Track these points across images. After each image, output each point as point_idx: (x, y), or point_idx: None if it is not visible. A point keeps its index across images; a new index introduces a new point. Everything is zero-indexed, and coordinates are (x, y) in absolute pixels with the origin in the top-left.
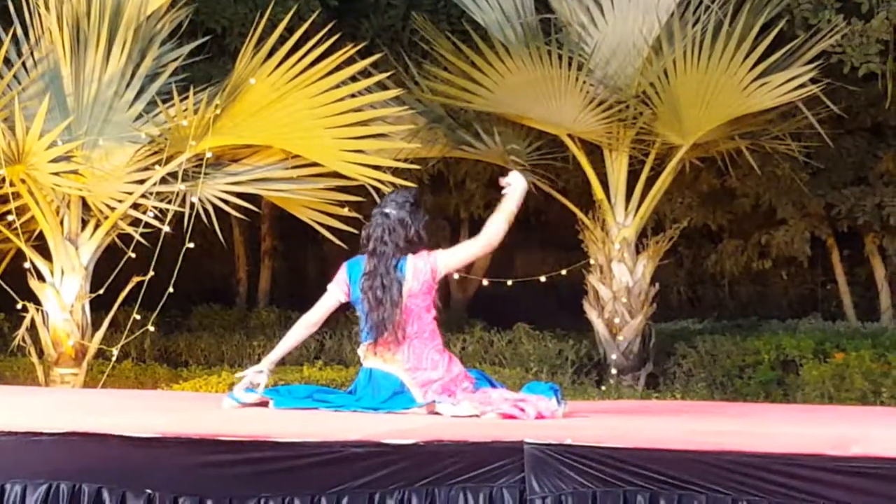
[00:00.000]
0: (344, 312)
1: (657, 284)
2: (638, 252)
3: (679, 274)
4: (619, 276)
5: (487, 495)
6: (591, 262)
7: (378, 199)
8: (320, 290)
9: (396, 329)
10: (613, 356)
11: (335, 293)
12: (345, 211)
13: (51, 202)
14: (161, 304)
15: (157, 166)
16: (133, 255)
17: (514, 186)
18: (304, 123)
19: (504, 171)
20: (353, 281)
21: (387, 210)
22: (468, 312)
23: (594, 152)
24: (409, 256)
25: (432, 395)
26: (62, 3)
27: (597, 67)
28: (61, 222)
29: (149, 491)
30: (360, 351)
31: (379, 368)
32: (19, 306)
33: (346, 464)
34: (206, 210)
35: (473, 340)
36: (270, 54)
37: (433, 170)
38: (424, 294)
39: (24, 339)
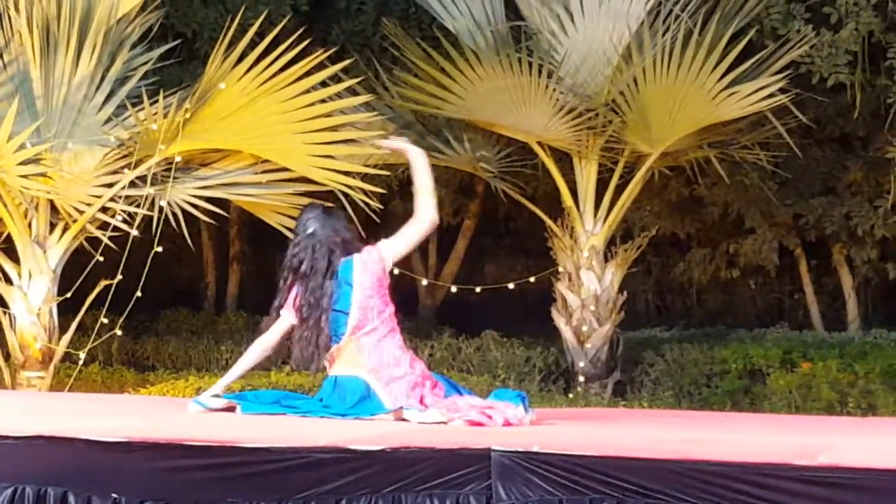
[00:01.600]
0: None
1: (625, 292)
2: (606, 260)
3: (647, 282)
4: (588, 284)
5: (454, 502)
6: (560, 269)
7: (348, 205)
8: None
9: (321, 340)
10: (581, 364)
11: (286, 318)
12: None
13: (19, 205)
14: (129, 308)
15: (126, 170)
16: (101, 259)
17: (412, 158)
18: (273, 128)
19: (474, 178)
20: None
21: (309, 230)
22: (437, 319)
23: (563, 160)
24: (355, 255)
25: (400, 400)
26: (32, 5)
27: (567, 75)
28: (29, 225)
29: (115, 495)
30: (326, 358)
31: (343, 374)
32: None
33: (313, 469)
34: (174, 214)
35: (441, 347)
36: (241, 59)
37: (403, 176)
38: (378, 287)
39: None
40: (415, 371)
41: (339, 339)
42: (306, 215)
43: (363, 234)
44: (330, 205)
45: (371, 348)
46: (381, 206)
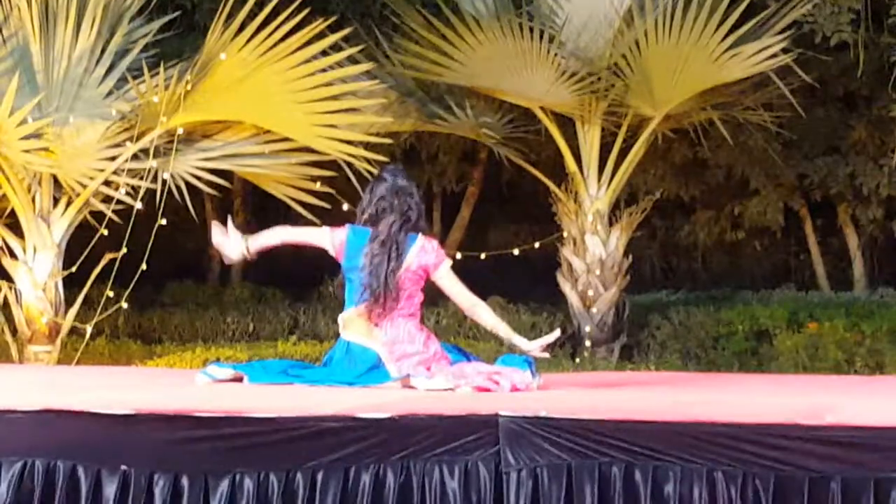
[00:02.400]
0: (318, 287)
1: (630, 256)
2: (611, 224)
3: (652, 245)
4: (593, 249)
5: (462, 468)
6: (565, 234)
7: (351, 174)
8: (293, 265)
9: (389, 298)
10: (587, 328)
11: (326, 238)
12: (317, 186)
13: (22, 180)
14: (134, 280)
15: (128, 143)
16: (105, 232)
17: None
18: (275, 98)
19: (477, 145)
20: (352, 247)
21: (398, 180)
22: None
23: (566, 124)
24: (420, 236)
25: (407, 369)
26: None
27: (568, 39)
28: (33, 200)
29: (124, 468)
30: (341, 319)
31: (357, 342)
32: None
33: (320, 439)
34: (178, 186)
35: (448, 314)
36: (241, 29)
37: (405, 144)
38: (420, 276)
39: None
40: (428, 350)
41: (356, 305)
42: (398, 171)
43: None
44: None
45: (388, 323)
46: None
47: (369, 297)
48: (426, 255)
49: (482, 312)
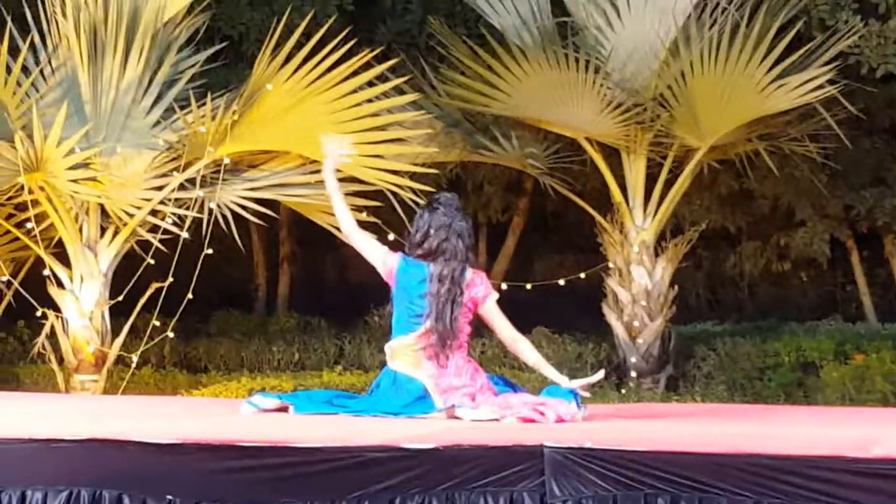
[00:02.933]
0: (363, 317)
1: (676, 287)
2: (657, 255)
3: (698, 276)
4: (638, 279)
5: (508, 499)
6: (610, 265)
7: (397, 205)
8: (339, 295)
9: (450, 336)
10: (633, 359)
11: (380, 256)
12: (363, 216)
13: (69, 209)
14: (180, 310)
15: (175, 173)
16: (152, 262)
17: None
18: (321, 129)
19: (522, 175)
20: (403, 277)
21: (454, 217)
22: None
23: (612, 155)
24: (469, 269)
25: (453, 401)
26: (79, 10)
27: (614, 70)
28: (80, 229)
29: (169, 497)
30: (388, 348)
31: (404, 372)
32: (39, 313)
33: (365, 469)
34: (224, 216)
35: (493, 345)
36: (287, 60)
37: (451, 174)
38: (467, 310)
39: (43, 346)
40: (475, 384)
41: (409, 334)
42: (452, 202)
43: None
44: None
45: (439, 355)
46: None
47: (437, 341)
48: (476, 289)
49: (524, 348)
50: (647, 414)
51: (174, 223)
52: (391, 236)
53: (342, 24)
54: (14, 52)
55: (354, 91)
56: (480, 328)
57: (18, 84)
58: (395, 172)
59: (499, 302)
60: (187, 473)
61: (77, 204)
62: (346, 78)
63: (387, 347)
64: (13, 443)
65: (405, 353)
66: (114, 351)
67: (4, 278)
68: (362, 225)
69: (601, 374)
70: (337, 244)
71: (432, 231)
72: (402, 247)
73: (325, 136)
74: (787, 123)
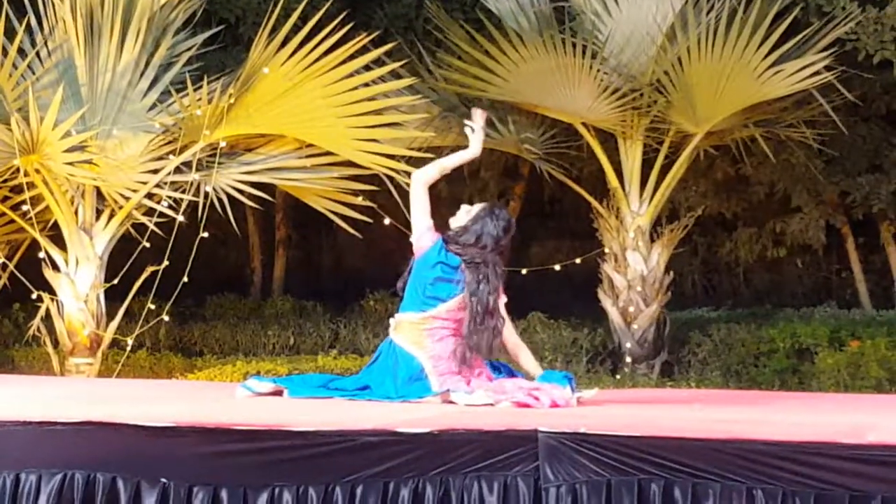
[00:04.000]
0: (359, 301)
1: (672, 273)
2: (652, 240)
3: (694, 262)
4: (634, 265)
5: (502, 484)
6: (606, 250)
7: (393, 189)
8: (334, 279)
9: (481, 350)
10: (628, 345)
11: (424, 227)
12: (359, 200)
13: (65, 192)
14: (175, 293)
15: (171, 156)
16: (147, 245)
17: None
18: (317, 112)
19: (519, 161)
20: (431, 258)
21: (501, 236)
22: None
23: (608, 140)
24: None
25: (448, 384)
26: None
27: (611, 55)
28: (76, 212)
29: (163, 480)
30: (394, 320)
31: (404, 348)
32: (34, 296)
33: (360, 453)
34: (220, 199)
35: None
36: (284, 43)
37: None
38: None
39: (39, 329)
40: (472, 371)
41: (419, 312)
42: (503, 216)
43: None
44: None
45: (438, 339)
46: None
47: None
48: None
49: (524, 355)
50: (641, 399)
51: (170, 206)
52: (387, 220)
53: (339, 8)
54: (10, 34)
55: (351, 75)
56: None
57: (14, 66)
58: (391, 157)
59: None
60: (182, 457)
61: (73, 187)
62: (343, 62)
63: (393, 319)
64: (8, 426)
65: (410, 329)
66: (109, 334)
67: (0, 261)
68: (357, 209)
69: (595, 391)
70: (333, 228)
71: (482, 230)
72: (404, 232)
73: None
74: (784, 110)
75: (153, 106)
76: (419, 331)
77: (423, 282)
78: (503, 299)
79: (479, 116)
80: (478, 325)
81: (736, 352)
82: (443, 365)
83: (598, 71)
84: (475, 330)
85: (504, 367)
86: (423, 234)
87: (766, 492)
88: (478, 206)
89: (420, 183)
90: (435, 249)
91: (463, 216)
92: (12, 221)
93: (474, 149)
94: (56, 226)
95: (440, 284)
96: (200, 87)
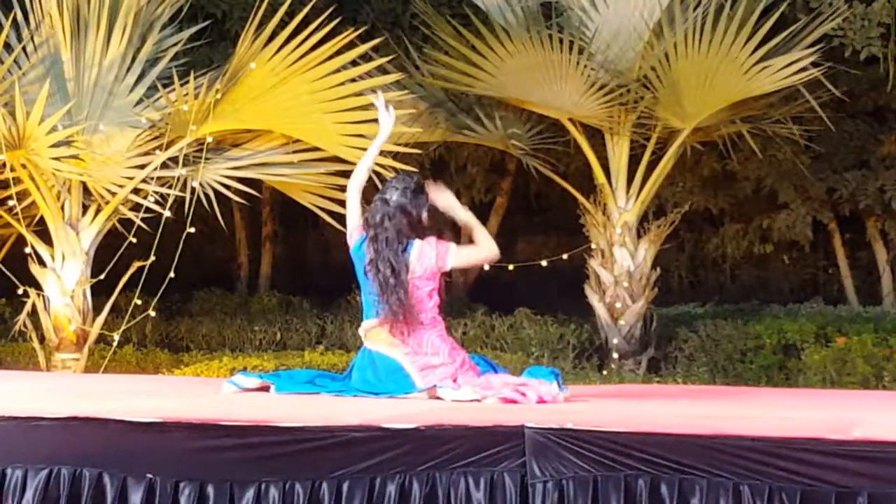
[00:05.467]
0: (345, 297)
1: (658, 269)
2: (639, 236)
3: (680, 258)
4: (621, 261)
5: (488, 480)
6: (593, 246)
7: (379, 184)
8: (321, 274)
9: (408, 314)
10: (615, 340)
11: (350, 228)
12: (345, 195)
13: (51, 187)
14: (162, 289)
15: (157, 151)
16: (134, 240)
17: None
18: (304, 108)
19: (505, 156)
20: (357, 256)
21: (387, 196)
22: (469, 297)
23: (595, 136)
24: (416, 241)
25: (433, 380)
26: None
27: (598, 51)
28: (62, 207)
29: (150, 476)
30: (362, 330)
31: (379, 351)
32: (20, 291)
33: (346, 448)
34: (206, 195)
35: (475, 325)
36: (271, 39)
37: (434, 154)
38: (427, 279)
39: (25, 325)
40: (455, 361)
41: (372, 317)
42: (396, 182)
43: None
44: (427, 182)
45: (410, 337)
46: None
47: (391, 316)
48: (426, 257)
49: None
50: (628, 395)
51: (156, 202)
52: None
53: (326, 3)
54: None
55: (338, 70)
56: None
57: (0, 61)
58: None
59: (481, 282)
60: (168, 452)
61: (59, 182)
62: (330, 57)
63: (360, 329)
64: None
65: (377, 335)
66: (95, 329)
67: None
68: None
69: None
70: (319, 224)
71: (374, 216)
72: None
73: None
74: (771, 106)
75: (140, 101)
76: (385, 333)
77: (367, 287)
78: (452, 248)
79: (376, 98)
80: (389, 289)
81: (722, 348)
82: (420, 360)
83: (585, 67)
84: (388, 296)
85: (483, 360)
86: (350, 234)
87: (753, 487)
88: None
89: (351, 189)
90: (356, 249)
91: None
92: None
93: (385, 126)
94: (42, 221)
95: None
96: (187, 82)
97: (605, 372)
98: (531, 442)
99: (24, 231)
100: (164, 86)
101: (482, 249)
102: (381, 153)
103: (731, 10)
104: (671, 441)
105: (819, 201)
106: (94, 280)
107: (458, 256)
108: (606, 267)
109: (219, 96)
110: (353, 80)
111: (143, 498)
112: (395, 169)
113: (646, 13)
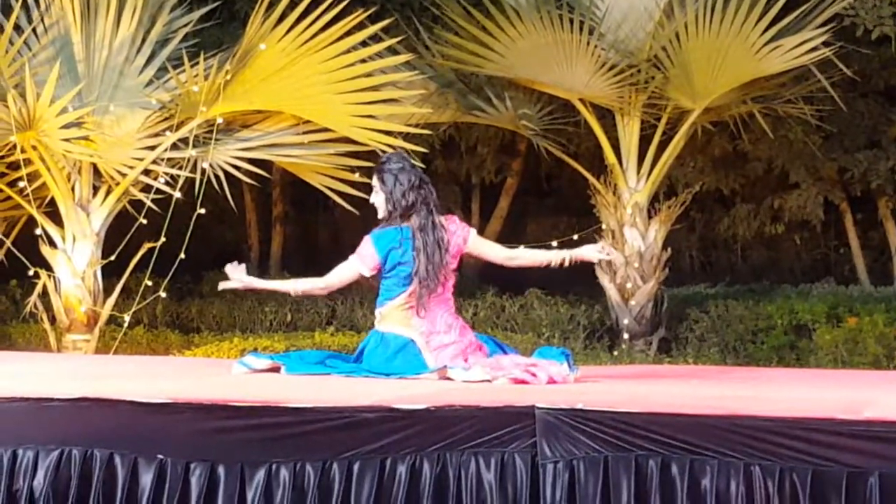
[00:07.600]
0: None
1: (669, 249)
2: (650, 217)
3: (691, 238)
4: (632, 241)
5: (499, 460)
6: (603, 227)
7: None
8: (332, 256)
9: (437, 286)
10: (625, 321)
11: (358, 267)
12: (356, 176)
13: (62, 169)
14: (173, 270)
15: (167, 132)
16: (144, 222)
17: (575, 255)
18: (314, 89)
19: (516, 137)
20: (383, 251)
21: (408, 169)
22: (480, 278)
23: (606, 117)
24: (441, 218)
25: (444, 360)
26: None
27: (608, 31)
28: (72, 189)
29: (160, 456)
30: (379, 313)
31: (393, 332)
32: (31, 273)
33: (357, 429)
34: (217, 176)
35: (485, 306)
36: (281, 19)
37: (444, 135)
38: (453, 257)
39: (36, 306)
40: (464, 340)
41: (397, 296)
42: (391, 165)
43: None
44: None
45: (424, 313)
46: (422, 166)
47: (423, 289)
48: (454, 235)
49: (524, 254)
50: (638, 375)
51: (167, 183)
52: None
53: None
54: (6, 10)
55: (348, 51)
56: (473, 289)
57: (11, 42)
58: (387, 133)
59: (491, 264)
60: (178, 433)
61: (69, 163)
62: (340, 38)
63: (377, 312)
64: (5, 402)
65: (395, 315)
66: (106, 310)
67: None
68: (354, 185)
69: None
70: (330, 205)
71: (399, 195)
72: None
73: None
74: (782, 85)
75: (150, 82)
76: (404, 311)
77: (394, 272)
78: (473, 231)
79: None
80: (434, 266)
81: (733, 328)
82: (435, 339)
83: (596, 47)
84: (427, 268)
85: (492, 340)
86: (361, 263)
87: (764, 468)
88: (375, 183)
89: (330, 285)
90: (379, 248)
91: (379, 200)
92: (9, 198)
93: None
94: (53, 202)
95: (402, 263)
96: (197, 63)
97: (615, 352)
98: (542, 422)
99: (34, 212)
100: (175, 67)
101: (497, 248)
102: (392, 134)
103: None
104: (682, 422)
105: (830, 181)
106: (104, 261)
107: (475, 242)
108: (617, 247)
109: (229, 77)
110: (363, 61)
111: (154, 479)
112: (405, 150)
113: None
